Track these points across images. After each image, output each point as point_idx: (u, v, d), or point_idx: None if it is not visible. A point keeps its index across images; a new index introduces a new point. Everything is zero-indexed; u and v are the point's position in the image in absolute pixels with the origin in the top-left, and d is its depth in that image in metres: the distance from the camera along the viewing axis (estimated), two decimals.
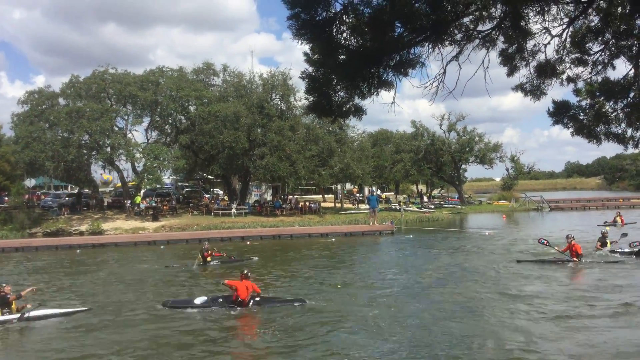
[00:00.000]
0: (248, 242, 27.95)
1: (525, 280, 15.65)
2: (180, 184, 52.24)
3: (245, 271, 13.15)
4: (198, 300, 13.01)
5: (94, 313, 12.70)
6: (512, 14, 4.86)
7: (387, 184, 65.94)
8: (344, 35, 4.61)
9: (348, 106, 5.22)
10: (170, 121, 39.70)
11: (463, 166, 58.91)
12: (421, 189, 68.28)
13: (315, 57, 4.81)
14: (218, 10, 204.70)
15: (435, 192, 71.96)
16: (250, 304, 12.52)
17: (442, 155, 55.29)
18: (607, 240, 20.10)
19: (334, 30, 4.54)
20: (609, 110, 7.02)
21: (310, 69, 4.90)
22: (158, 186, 39.14)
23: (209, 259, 19.74)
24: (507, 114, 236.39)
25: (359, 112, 5.31)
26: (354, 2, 4.43)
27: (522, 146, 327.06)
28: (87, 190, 43.47)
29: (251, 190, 47.69)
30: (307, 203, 42.08)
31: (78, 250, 26.04)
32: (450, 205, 53.48)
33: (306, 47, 4.84)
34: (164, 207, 37.33)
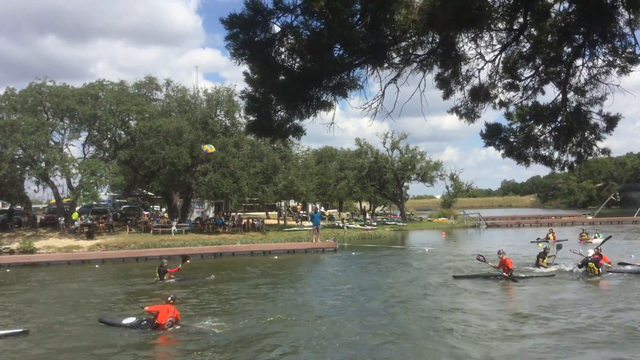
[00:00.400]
0: (188, 261, 27.30)
1: (461, 296, 16.01)
2: (118, 200, 50.71)
3: (172, 296, 12.86)
4: (126, 320, 12.66)
5: (29, 335, 12.10)
6: (446, 40, 5.02)
7: (331, 201, 66.29)
8: (283, 56, 4.64)
9: (288, 126, 5.24)
10: (109, 136, 38.56)
11: (405, 184, 60.08)
12: (364, 206, 69.04)
13: (254, 76, 4.82)
14: (163, 25, 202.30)
15: (378, 209, 72.90)
16: (169, 329, 12.10)
17: (385, 172, 56.16)
18: (547, 256, 21.07)
19: (273, 51, 4.57)
20: (538, 133, 7.34)
21: (250, 89, 4.90)
22: (94, 203, 37.83)
23: (166, 277, 19.46)
24: (447, 134, 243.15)
25: (298, 132, 5.35)
26: (293, 24, 4.47)
27: (461, 165, 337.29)
28: (19, 207, 41.51)
29: (193, 207, 46.81)
30: (250, 220, 41.71)
31: (8, 270, 24.77)
32: (393, 223, 54.30)
33: (246, 67, 4.85)
34: (100, 224, 36.09)
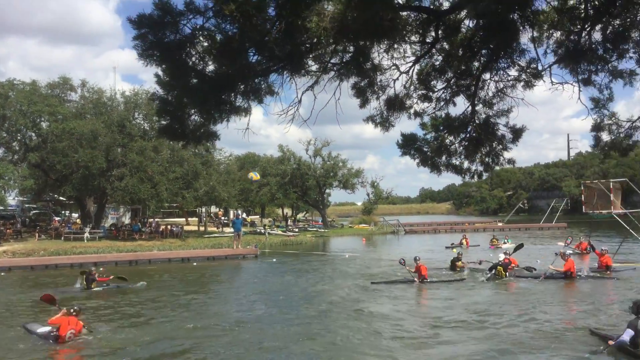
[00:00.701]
0: (102, 269, 26.26)
1: (378, 301, 16.31)
2: (27, 205, 47.92)
3: (75, 308, 12.20)
4: (41, 329, 12.04)
5: None
6: (360, 50, 5.11)
7: (253, 208, 65.84)
8: (195, 59, 4.54)
9: (202, 131, 5.13)
10: (19, 137, 36.41)
11: (327, 190, 60.54)
12: (286, 213, 69.04)
13: (166, 79, 4.69)
14: (79, 24, 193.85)
15: (299, 215, 73.10)
16: (68, 342, 11.47)
17: (308, 179, 56.39)
18: (460, 261, 22.14)
19: (184, 53, 4.47)
20: (449, 143, 7.63)
21: (162, 91, 4.76)
22: (1, 208, 35.60)
23: (94, 285, 18.71)
24: (369, 142, 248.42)
25: (212, 136, 5.25)
26: (205, 26, 4.39)
27: (382, 172, 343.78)
28: None
29: (107, 213, 45.02)
30: (169, 226, 40.62)
31: None
32: (314, 229, 54.63)
33: (158, 69, 4.71)
34: (7, 230, 33.96)
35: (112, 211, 46.22)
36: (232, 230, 37.78)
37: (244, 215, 59.37)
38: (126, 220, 45.71)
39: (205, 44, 4.42)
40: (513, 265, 20.44)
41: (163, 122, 4.98)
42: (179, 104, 4.78)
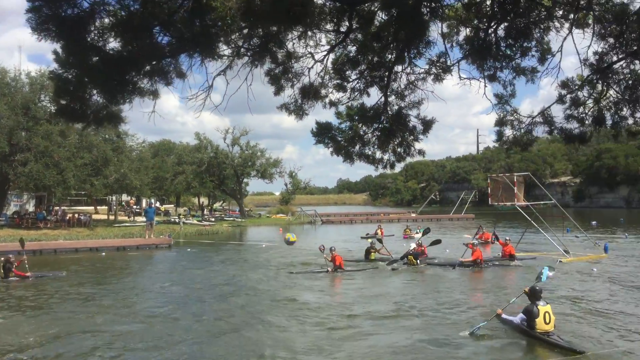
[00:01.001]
0: (1, 258, 24.70)
1: (294, 290, 16.39)
2: None
3: None
4: None
5: None
6: (271, 35, 5.05)
7: (168, 196, 64.16)
8: (95, 36, 4.29)
9: (105, 112, 4.87)
10: None
11: (245, 180, 60.07)
12: (202, 202, 67.83)
13: (65, 56, 4.40)
14: None
15: (216, 205, 72.08)
16: None
17: (225, 168, 55.64)
18: (375, 249, 22.70)
19: (84, 29, 4.21)
20: (363, 133, 7.74)
21: (60, 70, 4.47)
22: None
23: (11, 275, 18.04)
24: (288, 132, 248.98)
25: (115, 119, 5.00)
26: (106, 1, 4.15)
27: (300, 163, 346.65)
28: None
29: (10, 200, 42.27)
30: (77, 215, 38.76)
31: None
32: (231, 218, 54.10)
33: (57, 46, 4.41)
34: None
35: (14, 198, 43.41)
36: (144, 219, 36.63)
37: (158, 204, 57.70)
38: (30, 207, 43.15)
39: (107, 20, 4.20)
40: (425, 255, 21.19)
41: (62, 102, 4.69)
42: (79, 83, 4.50)
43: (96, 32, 4.22)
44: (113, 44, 4.35)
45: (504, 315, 10.87)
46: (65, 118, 4.95)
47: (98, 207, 52.57)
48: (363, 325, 11.90)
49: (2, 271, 18.05)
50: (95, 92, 4.65)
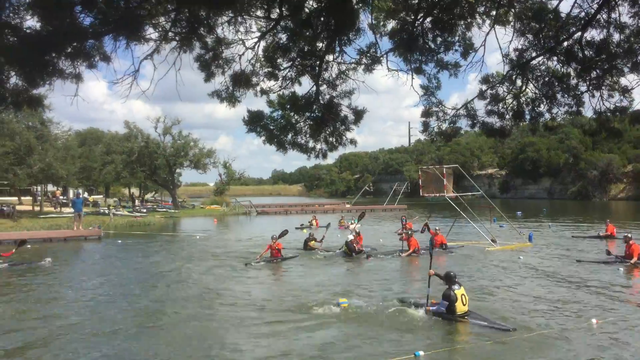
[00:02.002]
0: (28, 246, 23.44)
1: (230, 281, 16.29)
2: None
3: None
4: None
5: None
6: (199, 19, 4.99)
7: (96, 187, 62.02)
8: (10, 12, 4.10)
9: (24, 95, 4.67)
10: None
11: (178, 170, 58.85)
12: (133, 193, 65.99)
13: None
14: None
15: (148, 195, 70.33)
16: None
17: (157, 158, 54.29)
18: (313, 241, 22.94)
19: None
20: (295, 122, 7.78)
21: None
22: None
23: None
24: (221, 122, 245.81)
25: (35, 102, 4.81)
26: None
27: (235, 153, 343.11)
28: None
29: None
30: None
31: None
32: (164, 209, 52.95)
33: None
34: None
35: None
36: (72, 210, 35.26)
37: (86, 194, 55.62)
38: None
39: None
40: (360, 245, 21.52)
41: None
42: None
43: (11, 9, 4.04)
44: (30, 22, 4.18)
45: (432, 308, 11.26)
46: None
47: (22, 198, 50.14)
48: (293, 319, 11.89)
49: None
50: (12, 73, 4.46)
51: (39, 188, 47.33)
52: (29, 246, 19.20)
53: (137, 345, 9.84)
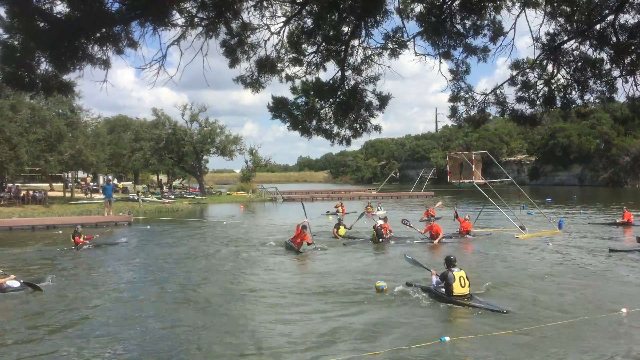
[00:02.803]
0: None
1: (257, 267, 16.44)
2: None
3: None
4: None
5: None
6: (225, 4, 4.99)
7: (125, 173, 63.02)
8: None
9: (55, 81, 4.74)
10: None
11: (204, 157, 59.38)
12: (161, 179, 66.89)
13: (10, 21, 4.26)
14: None
15: (176, 182, 71.21)
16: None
17: (184, 145, 54.83)
18: (343, 225, 22.93)
19: None
20: (319, 108, 7.74)
21: (6, 35, 4.33)
22: None
23: (80, 242, 19.87)
24: (248, 109, 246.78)
25: (66, 88, 4.88)
26: None
27: (261, 140, 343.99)
28: None
29: None
30: (31, 192, 37.75)
31: None
32: (191, 196, 53.61)
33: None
34: None
35: None
36: (102, 196, 35.98)
37: (115, 181, 56.60)
38: None
39: None
40: (387, 230, 21.41)
41: (9, 70, 4.55)
42: (26, 49, 4.37)
43: None
44: (60, 7, 4.24)
45: (432, 281, 11.91)
46: (13, 86, 4.79)
47: (53, 184, 51.28)
48: (320, 304, 12.01)
49: (72, 241, 19.98)
50: (43, 59, 4.53)
51: (69, 175, 48.30)
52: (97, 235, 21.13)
53: (169, 328, 10.01)
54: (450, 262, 11.43)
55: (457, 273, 11.21)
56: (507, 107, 7.73)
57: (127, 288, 13.56)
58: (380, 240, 20.61)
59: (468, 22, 6.91)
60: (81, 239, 19.98)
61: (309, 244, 19.15)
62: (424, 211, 30.20)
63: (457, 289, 11.09)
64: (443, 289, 11.35)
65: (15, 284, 12.85)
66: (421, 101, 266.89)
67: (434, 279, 11.80)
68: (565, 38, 7.29)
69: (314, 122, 7.86)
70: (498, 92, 7.83)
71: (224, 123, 70.35)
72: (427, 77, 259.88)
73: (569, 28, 7.21)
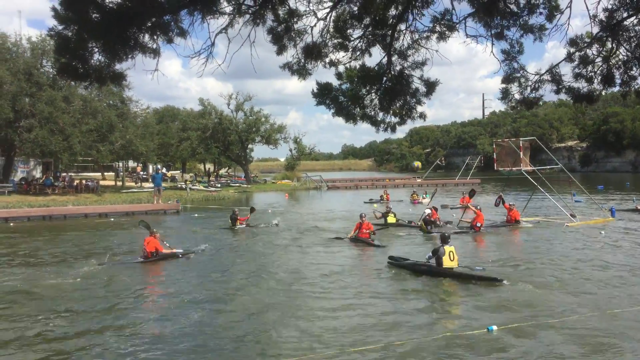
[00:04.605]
0: (12, 224, 25.11)
1: (308, 255, 16.47)
2: None
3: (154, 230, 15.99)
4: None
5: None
6: None
7: (174, 162, 64.36)
8: None
9: (107, 71, 4.84)
10: None
11: (250, 146, 60.07)
12: (208, 168, 67.98)
13: (64, 12, 4.35)
14: None
15: (222, 171, 72.26)
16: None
17: (230, 134, 55.56)
18: (393, 213, 22.68)
19: None
20: (365, 94, 7.65)
21: (60, 27, 4.43)
22: None
23: (238, 223, 22.59)
24: (291, 98, 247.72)
25: (118, 78, 4.97)
26: None
27: (305, 128, 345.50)
28: None
29: (17, 167, 42.56)
30: (84, 181, 39.01)
31: None
32: (237, 184, 54.35)
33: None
34: None
35: (21, 164, 43.70)
36: (151, 185, 36.87)
37: (164, 170, 57.91)
38: (37, 174, 43.45)
39: None
40: (434, 219, 21.00)
41: (63, 61, 4.67)
42: (79, 39, 4.47)
43: None
44: None
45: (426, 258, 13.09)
46: (67, 76, 4.92)
47: (105, 174, 52.87)
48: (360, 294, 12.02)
49: (230, 221, 22.75)
50: (96, 49, 4.62)
51: (120, 164, 49.64)
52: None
53: (218, 315, 10.12)
54: (444, 239, 12.72)
55: (448, 248, 12.48)
56: (563, 85, 7.42)
57: (175, 276, 13.80)
58: (430, 229, 20.19)
59: (522, 1, 6.67)
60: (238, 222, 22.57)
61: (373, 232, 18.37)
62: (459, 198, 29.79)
63: (447, 262, 12.36)
64: (434, 262, 12.59)
65: (178, 252, 16.04)
66: (467, 87, 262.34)
67: (428, 255, 12.90)
68: (625, 15, 6.94)
69: (358, 109, 7.79)
70: (553, 70, 7.54)
71: (268, 112, 70.91)
72: (474, 62, 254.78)
73: (629, 3, 6.85)
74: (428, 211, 20.97)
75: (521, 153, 23.90)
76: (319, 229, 21.81)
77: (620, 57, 6.94)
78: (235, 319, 9.76)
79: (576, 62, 7.10)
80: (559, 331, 8.65)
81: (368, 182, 60.89)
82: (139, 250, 15.86)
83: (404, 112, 7.94)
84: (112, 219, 27.18)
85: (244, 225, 22.63)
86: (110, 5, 4.30)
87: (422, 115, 8.01)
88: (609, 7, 6.55)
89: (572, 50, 7.08)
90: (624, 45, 6.76)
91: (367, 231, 18.18)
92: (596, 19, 6.64)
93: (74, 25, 4.37)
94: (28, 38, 35.91)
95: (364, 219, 18.59)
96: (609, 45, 6.95)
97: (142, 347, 8.35)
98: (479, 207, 21.25)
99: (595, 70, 7.10)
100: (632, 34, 6.69)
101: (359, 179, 66.41)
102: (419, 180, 62.18)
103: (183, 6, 4.65)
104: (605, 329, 8.72)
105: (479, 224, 20.07)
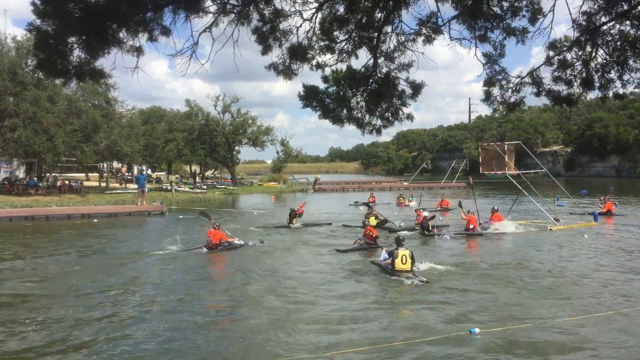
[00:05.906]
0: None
1: (295, 255, 16.49)
2: None
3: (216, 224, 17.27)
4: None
5: None
6: None
7: (159, 164, 63.93)
8: None
9: (87, 67, 4.76)
10: None
11: (236, 148, 59.77)
12: (194, 170, 67.63)
13: (43, 7, 4.28)
14: None
15: (208, 172, 71.92)
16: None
17: (217, 136, 55.21)
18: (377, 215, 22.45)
19: None
20: (351, 96, 7.64)
21: (39, 21, 4.35)
22: None
23: (294, 220, 23.24)
24: (279, 99, 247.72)
25: (98, 75, 4.89)
26: None
27: (292, 131, 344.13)
28: None
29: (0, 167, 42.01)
30: (67, 181, 38.59)
31: None
32: (223, 186, 54.08)
33: None
34: None
35: (4, 164, 43.12)
36: (136, 186, 36.55)
37: (149, 171, 57.49)
38: (20, 174, 42.91)
39: None
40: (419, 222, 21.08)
41: (42, 56, 4.59)
42: (59, 35, 4.40)
43: None
44: None
45: (378, 259, 13.94)
46: (46, 72, 4.85)
47: (89, 174, 52.36)
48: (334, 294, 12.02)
49: (289, 218, 23.32)
50: (76, 45, 4.55)
51: (105, 165, 49.19)
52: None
53: (207, 318, 10.10)
54: (399, 242, 13.05)
55: (401, 251, 12.72)
56: (543, 87, 7.47)
57: (163, 277, 13.71)
58: (426, 232, 20.20)
59: (506, 4, 6.70)
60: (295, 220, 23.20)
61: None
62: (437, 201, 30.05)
63: (399, 265, 12.64)
64: (389, 265, 12.90)
65: (239, 242, 17.37)
66: (454, 91, 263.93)
67: (383, 254, 13.41)
68: (604, 19, 7.01)
69: (345, 111, 7.78)
70: (534, 74, 7.59)
71: (255, 114, 70.64)
72: (460, 67, 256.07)
73: (607, 8, 6.91)
74: (425, 214, 21.13)
75: (506, 157, 24.04)
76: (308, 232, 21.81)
77: (599, 60, 7.00)
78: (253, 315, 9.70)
79: (555, 66, 7.14)
80: (542, 333, 8.70)
81: (354, 185, 60.95)
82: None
83: (390, 114, 7.95)
84: (96, 220, 26.91)
85: (300, 225, 23.25)
86: (91, 0, 4.24)
87: (410, 117, 8.03)
88: (588, 10, 6.60)
89: (551, 53, 7.13)
90: (603, 48, 6.81)
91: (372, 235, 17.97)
92: (577, 23, 6.69)
93: (53, 20, 4.31)
94: (13, 37, 35.49)
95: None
96: (588, 49, 7.00)
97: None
98: (470, 211, 21.30)
99: (575, 73, 7.15)
100: (610, 38, 6.76)
101: (346, 182, 66.42)
102: (405, 183, 62.35)
103: (166, 4, 4.60)
104: (587, 332, 8.79)
105: (472, 226, 20.26)
